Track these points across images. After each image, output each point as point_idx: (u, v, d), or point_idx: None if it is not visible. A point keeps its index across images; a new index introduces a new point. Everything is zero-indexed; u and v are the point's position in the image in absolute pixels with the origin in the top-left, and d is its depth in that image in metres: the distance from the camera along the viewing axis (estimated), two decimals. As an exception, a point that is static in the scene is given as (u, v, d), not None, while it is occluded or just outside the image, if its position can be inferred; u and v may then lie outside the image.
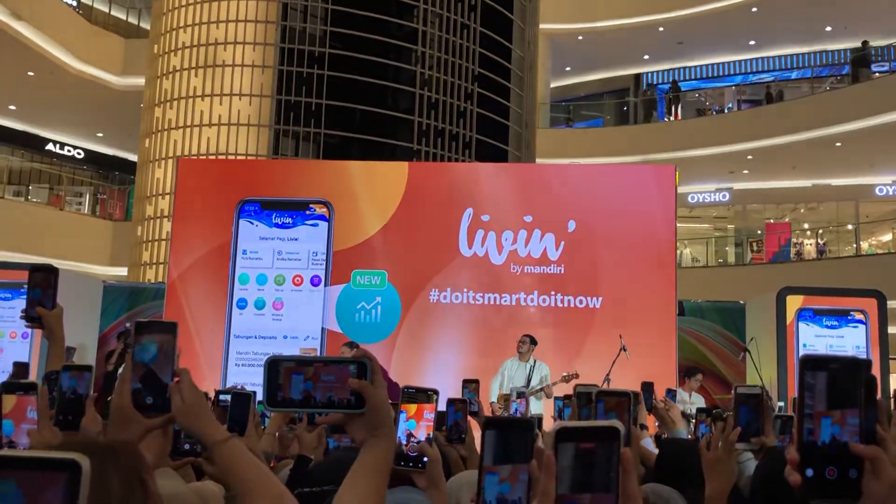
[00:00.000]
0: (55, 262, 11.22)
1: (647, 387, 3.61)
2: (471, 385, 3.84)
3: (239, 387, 3.16)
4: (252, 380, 7.09)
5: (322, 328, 8.51)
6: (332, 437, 2.31)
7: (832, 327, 7.99)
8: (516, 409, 3.53)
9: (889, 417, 2.24)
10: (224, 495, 1.98)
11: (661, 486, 2.45)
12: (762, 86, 22.07)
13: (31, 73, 17.15)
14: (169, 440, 2.17)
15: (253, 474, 1.32)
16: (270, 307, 8.58)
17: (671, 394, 4.62)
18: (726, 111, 20.96)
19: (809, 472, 0.98)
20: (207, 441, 1.37)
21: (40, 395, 1.75)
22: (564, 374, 7.39)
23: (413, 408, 1.87)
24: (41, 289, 2.35)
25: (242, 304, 8.62)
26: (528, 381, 7.43)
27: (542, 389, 7.34)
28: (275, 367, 1.24)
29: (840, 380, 0.99)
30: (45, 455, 0.75)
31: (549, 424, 4.27)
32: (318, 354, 8.29)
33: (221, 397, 3.11)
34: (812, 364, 0.99)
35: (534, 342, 7.75)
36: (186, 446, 2.12)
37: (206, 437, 1.37)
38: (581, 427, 0.82)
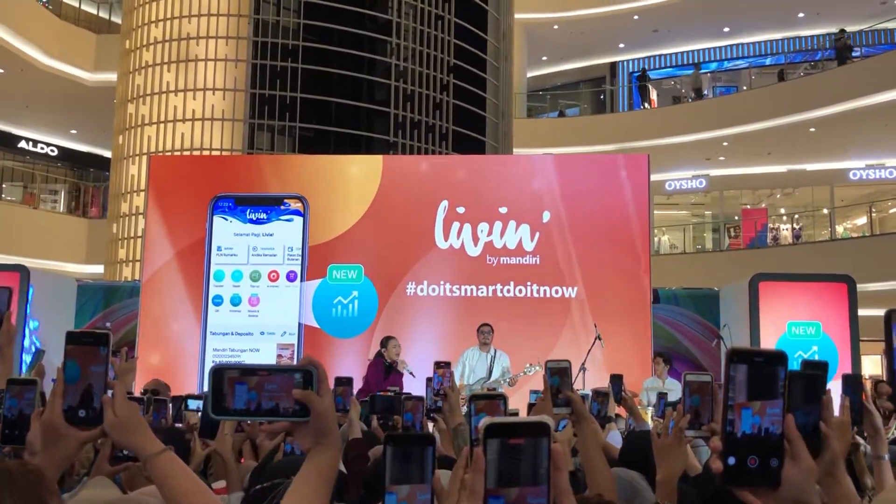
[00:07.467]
0: (30, 262, 10.98)
1: (616, 379, 3.62)
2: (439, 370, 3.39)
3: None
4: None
5: (299, 323, 8.50)
6: (288, 440, 2.31)
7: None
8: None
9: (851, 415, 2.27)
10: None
11: (627, 470, 2.50)
12: (737, 72, 22.20)
13: (0, 71, 16.90)
14: (107, 446, 2.16)
15: (187, 487, 1.31)
16: (246, 303, 8.55)
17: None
18: (702, 98, 21.05)
19: (732, 461, 1.00)
20: (141, 454, 1.36)
21: None
22: (527, 366, 7.39)
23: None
24: None
25: (218, 300, 8.59)
26: (490, 371, 7.43)
27: (507, 381, 7.35)
28: (219, 376, 1.23)
29: (761, 372, 1.00)
30: None
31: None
32: (295, 350, 8.28)
33: (190, 402, 3.07)
34: (737, 357, 1.01)
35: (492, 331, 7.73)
36: (125, 451, 2.09)
37: (139, 450, 1.36)
38: (509, 423, 0.83)
